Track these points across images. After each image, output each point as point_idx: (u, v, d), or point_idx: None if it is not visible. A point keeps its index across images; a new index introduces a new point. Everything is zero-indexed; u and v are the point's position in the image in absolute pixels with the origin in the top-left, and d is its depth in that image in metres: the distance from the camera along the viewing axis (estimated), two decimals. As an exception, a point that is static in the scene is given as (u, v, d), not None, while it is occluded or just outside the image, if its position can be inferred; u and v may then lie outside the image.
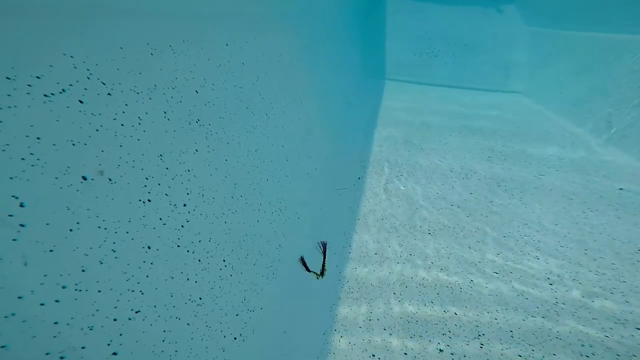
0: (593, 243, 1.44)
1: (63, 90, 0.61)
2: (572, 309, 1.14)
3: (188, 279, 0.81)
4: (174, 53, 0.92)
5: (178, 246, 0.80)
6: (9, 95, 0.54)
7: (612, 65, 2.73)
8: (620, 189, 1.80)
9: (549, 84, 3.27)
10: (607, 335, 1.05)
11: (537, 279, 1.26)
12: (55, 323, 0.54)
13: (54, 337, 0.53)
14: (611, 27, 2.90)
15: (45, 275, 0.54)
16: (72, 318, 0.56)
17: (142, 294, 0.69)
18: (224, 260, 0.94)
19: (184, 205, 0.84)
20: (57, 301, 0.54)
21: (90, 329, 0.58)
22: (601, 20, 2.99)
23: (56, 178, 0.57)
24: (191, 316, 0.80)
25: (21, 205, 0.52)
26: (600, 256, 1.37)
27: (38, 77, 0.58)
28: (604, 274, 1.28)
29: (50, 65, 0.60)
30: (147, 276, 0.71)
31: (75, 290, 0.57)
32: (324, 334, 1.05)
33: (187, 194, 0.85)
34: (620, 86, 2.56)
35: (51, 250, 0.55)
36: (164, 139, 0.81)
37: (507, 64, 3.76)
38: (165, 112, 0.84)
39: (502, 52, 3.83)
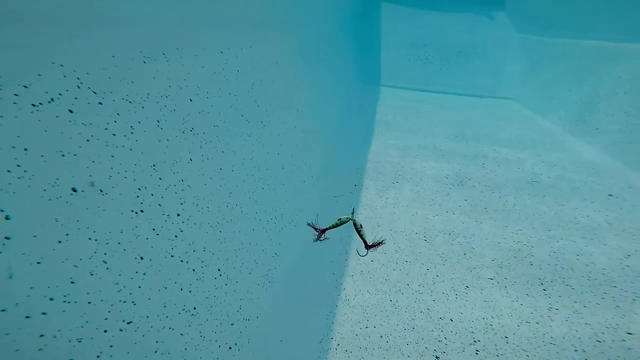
0: (585, 248, 1.46)
1: (52, 99, 0.60)
2: (565, 315, 1.15)
3: (182, 289, 0.80)
4: (168, 61, 0.91)
5: (172, 256, 0.79)
6: (-5, 105, 0.53)
7: (599, 73, 2.81)
8: (610, 195, 1.84)
9: (540, 91, 3.35)
10: (599, 340, 1.06)
11: (531, 285, 1.28)
12: (41, 335, 0.52)
13: (40, 350, 0.52)
14: (598, 35, 2.99)
15: (31, 288, 0.52)
16: (59, 330, 0.55)
17: (135, 304, 0.68)
18: (218, 270, 0.93)
19: (178, 215, 0.82)
20: (44, 313, 0.53)
21: (79, 341, 0.57)
22: (588, 29, 3.08)
23: (44, 190, 0.56)
24: (185, 326, 0.78)
25: (7, 217, 0.51)
26: (592, 262, 1.39)
27: (25, 87, 0.56)
28: (596, 279, 1.30)
29: (39, 74, 0.59)
30: (140, 287, 0.70)
31: (64, 302, 0.56)
32: (321, 342, 1.04)
33: (181, 203, 0.84)
34: (607, 93, 2.64)
35: (39, 263, 0.54)
36: (157, 148, 0.80)
37: (499, 71, 3.84)
38: (158, 121, 0.83)
39: (494, 58, 3.92)
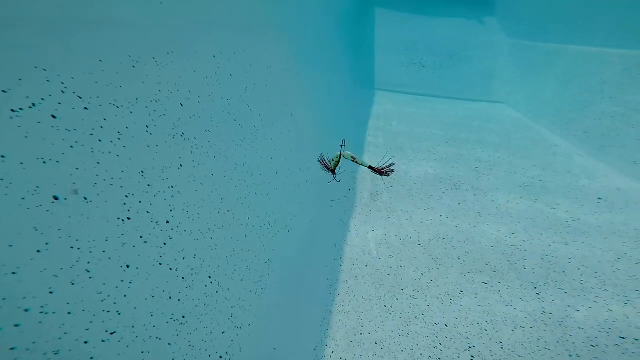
0: (576, 252, 1.47)
1: (33, 104, 0.58)
2: (558, 319, 1.15)
3: (170, 298, 0.78)
4: (158, 65, 0.90)
5: (160, 264, 0.77)
6: (-29, 110, 0.51)
7: (587, 77, 2.88)
8: (599, 198, 1.87)
9: (530, 95, 3.42)
10: (593, 345, 1.06)
11: (525, 289, 1.28)
12: (12, 349, 0.50)
13: None
14: (585, 40, 3.07)
15: (4, 299, 0.50)
16: (33, 343, 0.52)
17: (119, 314, 0.66)
18: (209, 277, 0.91)
19: (167, 222, 0.81)
20: (16, 325, 0.51)
21: (56, 354, 0.55)
22: (576, 33, 3.17)
23: (23, 198, 0.54)
24: (173, 336, 0.76)
25: None
26: (584, 265, 1.40)
27: (4, 91, 0.55)
28: (588, 282, 1.31)
29: (19, 79, 0.57)
30: (125, 296, 0.68)
31: (41, 313, 0.54)
32: (315, 349, 1.02)
33: (171, 210, 0.82)
34: (594, 98, 2.70)
35: (14, 273, 0.51)
36: (146, 154, 0.79)
37: (490, 75, 3.92)
38: (147, 126, 0.81)
39: (486, 62, 3.99)
